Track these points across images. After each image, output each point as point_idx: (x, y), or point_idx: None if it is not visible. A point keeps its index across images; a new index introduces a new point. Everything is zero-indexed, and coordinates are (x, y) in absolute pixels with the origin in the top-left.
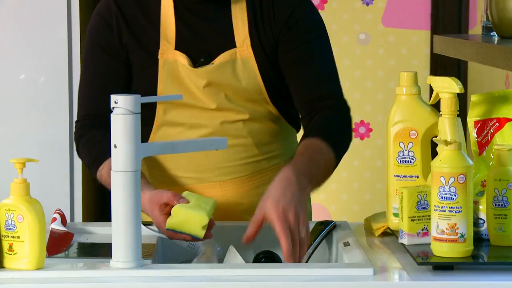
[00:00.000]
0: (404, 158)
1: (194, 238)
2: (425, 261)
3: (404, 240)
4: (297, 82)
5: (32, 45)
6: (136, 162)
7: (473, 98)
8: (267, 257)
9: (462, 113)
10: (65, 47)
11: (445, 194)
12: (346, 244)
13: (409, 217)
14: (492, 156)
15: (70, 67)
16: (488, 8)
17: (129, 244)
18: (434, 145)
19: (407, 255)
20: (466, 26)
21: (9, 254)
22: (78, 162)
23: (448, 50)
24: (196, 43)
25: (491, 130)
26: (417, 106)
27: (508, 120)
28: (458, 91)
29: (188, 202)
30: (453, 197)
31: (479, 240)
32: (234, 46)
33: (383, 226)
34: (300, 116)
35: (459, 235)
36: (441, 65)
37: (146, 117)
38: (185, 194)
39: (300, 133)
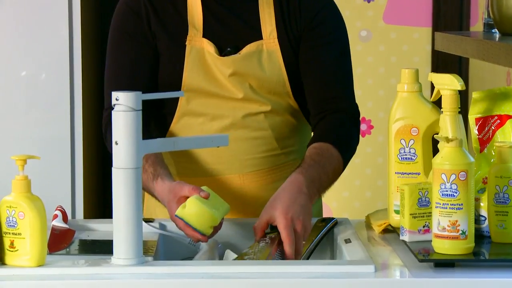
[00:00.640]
0: (405, 155)
1: (199, 233)
2: (426, 258)
3: (405, 237)
4: (312, 80)
5: (34, 42)
6: (137, 159)
7: (474, 95)
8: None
9: (463, 110)
10: (67, 44)
11: (446, 191)
12: (347, 241)
13: (410, 214)
14: (493, 153)
15: (72, 64)
16: (489, 5)
17: (131, 241)
18: (435, 142)
19: (408, 252)
20: (467, 23)
21: (10, 251)
22: (79, 159)
23: (449, 47)
24: (223, 32)
25: (492, 127)
26: (418, 103)
27: (509, 117)
28: (459, 88)
29: (207, 196)
30: (454, 194)
31: (480, 237)
32: (260, 38)
33: (384, 223)
34: (310, 114)
35: (460, 232)
36: (442, 62)
37: (170, 106)
38: (204, 188)
39: None
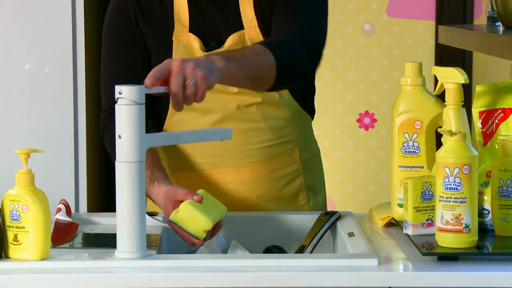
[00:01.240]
0: (409, 148)
1: (194, 237)
2: (430, 251)
3: (409, 231)
4: (276, 23)
5: (37, 36)
6: (140, 153)
7: (478, 88)
8: (275, 252)
9: (467, 104)
10: (70, 37)
11: (450, 184)
12: (351, 234)
13: (413, 208)
14: (497, 147)
15: (75, 57)
16: None
17: (134, 235)
18: (438, 136)
19: (412, 246)
20: (471, 17)
21: (14, 244)
22: (82, 153)
23: (453, 41)
24: (208, 26)
25: (496, 121)
26: (422, 96)
27: None
28: (463, 81)
29: (200, 200)
30: (457, 187)
31: (483, 230)
32: (242, 28)
33: (387, 217)
34: None
35: (464, 225)
36: (446, 56)
37: (164, 103)
38: (200, 192)
39: (315, 120)
